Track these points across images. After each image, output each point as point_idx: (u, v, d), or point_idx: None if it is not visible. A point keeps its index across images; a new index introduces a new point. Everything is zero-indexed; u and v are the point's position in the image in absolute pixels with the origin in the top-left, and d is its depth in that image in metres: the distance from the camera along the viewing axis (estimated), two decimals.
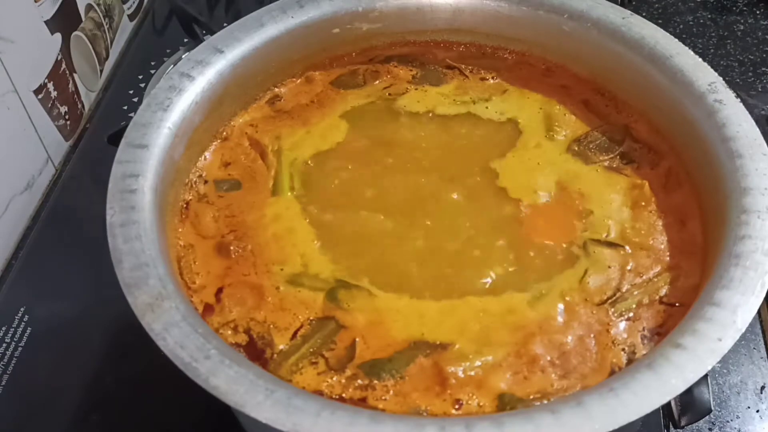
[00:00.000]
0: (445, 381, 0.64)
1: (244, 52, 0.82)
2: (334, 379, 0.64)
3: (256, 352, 0.67)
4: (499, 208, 0.77)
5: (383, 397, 0.64)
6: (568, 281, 0.71)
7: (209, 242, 0.74)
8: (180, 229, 0.75)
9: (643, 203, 0.77)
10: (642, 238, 0.74)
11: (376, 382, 0.64)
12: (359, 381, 0.64)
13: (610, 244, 0.74)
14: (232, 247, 0.73)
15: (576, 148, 0.82)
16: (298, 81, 0.89)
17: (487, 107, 0.86)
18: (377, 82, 0.89)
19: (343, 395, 0.64)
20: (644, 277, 0.72)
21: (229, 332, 0.68)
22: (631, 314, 0.69)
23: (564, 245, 0.74)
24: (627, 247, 0.74)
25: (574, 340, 0.67)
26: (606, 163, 0.81)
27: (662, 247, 0.74)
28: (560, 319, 0.69)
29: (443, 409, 0.63)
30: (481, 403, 0.63)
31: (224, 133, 0.83)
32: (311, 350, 0.66)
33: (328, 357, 0.66)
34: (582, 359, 0.66)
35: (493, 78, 0.89)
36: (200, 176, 0.80)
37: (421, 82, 0.89)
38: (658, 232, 0.75)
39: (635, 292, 0.71)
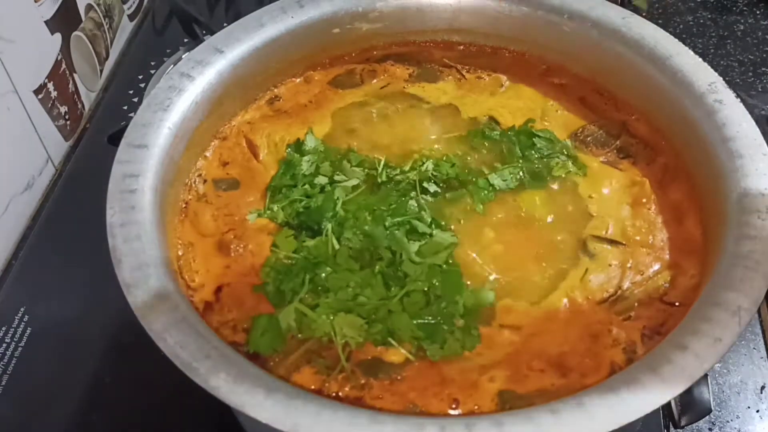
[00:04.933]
0: (443, 381, 0.64)
1: (244, 52, 0.82)
2: (332, 377, 0.64)
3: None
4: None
5: (380, 396, 0.64)
6: (570, 279, 0.71)
7: (209, 240, 0.74)
8: (180, 228, 0.75)
9: (644, 200, 0.77)
10: (642, 235, 0.75)
11: (373, 381, 0.64)
12: (357, 380, 0.64)
13: (611, 241, 0.74)
14: (232, 246, 0.73)
15: (573, 142, 0.82)
16: (298, 81, 0.89)
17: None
18: (374, 81, 0.89)
19: (340, 394, 0.64)
20: (644, 275, 0.72)
21: (229, 331, 0.68)
22: (632, 313, 0.69)
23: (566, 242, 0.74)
24: (627, 245, 0.74)
25: (574, 339, 0.67)
26: (602, 158, 0.81)
27: (662, 244, 0.74)
28: (561, 317, 0.69)
29: (441, 408, 0.63)
30: (479, 403, 0.63)
31: (223, 133, 0.83)
32: (310, 349, 0.66)
33: (325, 356, 0.66)
34: (582, 358, 0.66)
35: (488, 78, 0.89)
36: (199, 176, 0.80)
37: (418, 80, 0.89)
38: (658, 229, 0.75)
39: (636, 291, 0.71)
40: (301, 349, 0.66)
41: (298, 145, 0.80)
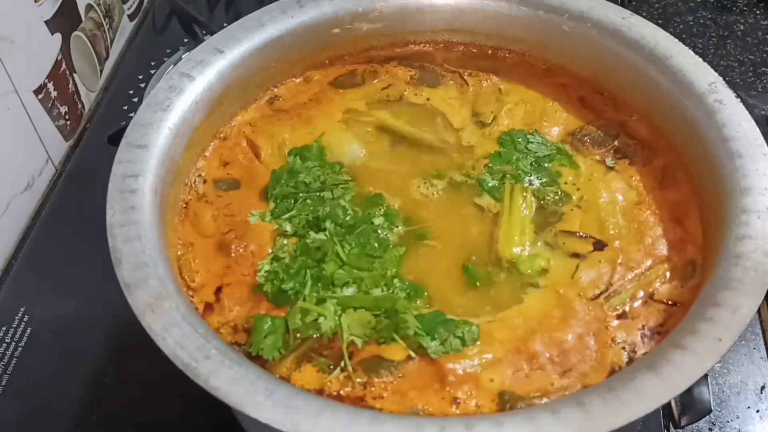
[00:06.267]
0: (444, 378, 0.64)
1: (244, 52, 0.82)
2: (333, 376, 0.65)
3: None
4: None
5: (381, 395, 0.64)
6: (561, 276, 0.72)
7: (209, 241, 0.74)
8: (180, 229, 0.75)
9: (637, 199, 0.77)
10: (634, 233, 0.75)
11: (374, 379, 0.64)
12: (358, 379, 0.64)
13: (598, 241, 0.74)
14: (233, 246, 0.73)
15: (570, 142, 0.82)
16: (298, 80, 0.89)
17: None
18: (376, 81, 0.89)
19: (341, 392, 0.64)
20: (636, 272, 0.72)
21: (229, 331, 0.68)
22: (626, 308, 0.69)
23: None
24: (618, 242, 0.74)
25: (573, 338, 0.67)
26: (598, 158, 0.81)
27: (654, 242, 0.74)
28: (557, 315, 0.69)
29: (441, 407, 0.63)
30: (479, 402, 0.63)
31: (223, 133, 0.83)
32: (311, 347, 0.66)
33: (326, 354, 0.66)
34: (582, 357, 0.66)
35: (489, 80, 0.89)
36: (199, 176, 0.80)
37: (420, 83, 0.89)
38: (651, 227, 0.75)
39: (628, 286, 0.71)
40: (302, 348, 0.66)
41: (301, 151, 0.80)
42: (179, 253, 0.73)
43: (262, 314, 0.68)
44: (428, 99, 0.87)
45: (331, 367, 0.65)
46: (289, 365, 0.65)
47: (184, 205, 0.77)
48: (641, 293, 0.70)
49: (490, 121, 0.85)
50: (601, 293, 0.71)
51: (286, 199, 0.76)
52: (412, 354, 0.65)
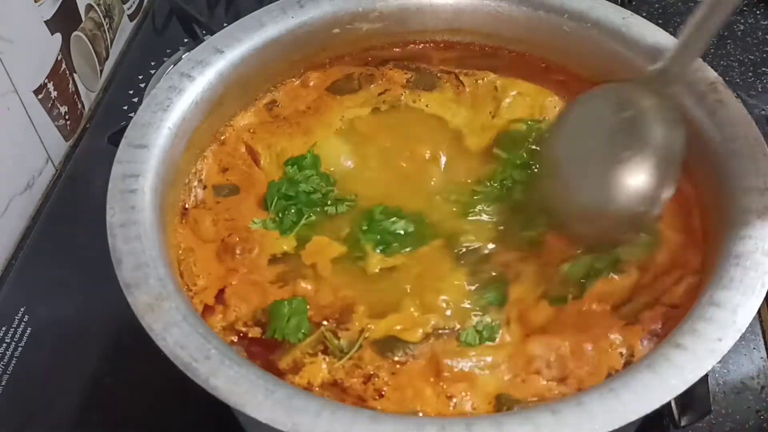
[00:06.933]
0: (439, 374, 0.65)
1: (244, 53, 0.82)
2: (340, 363, 0.66)
3: (268, 340, 0.68)
4: None
5: (382, 389, 0.64)
6: (569, 282, 0.71)
7: (209, 246, 0.74)
8: (180, 233, 0.75)
9: None
10: (643, 237, 0.74)
11: (380, 368, 0.65)
12: (364, 369, 0.65)
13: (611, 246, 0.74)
14: (237, 249, 0.73)
15: None
16: (297, 83, 0.88)
17: None
18: (372, 86, 0.88)
19: (346, 384, 0.65)
20: (648, 278, 0.71)
21: (241, 327, 0.68)
22: (628, 313, 0.69)
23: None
24: (626, 248, 0.74)
25: (572, 344, 0.67)
26: None
27: (665, 245, 0.74)
28: (558, 320, 0.69)
29: (437, 403, 0.63)
30: (475, 404, 0.63)
31: (222, 137, 0.83)
32: (328, 329, 0.68)
33: (342, 336, 0.68)
34: (579, 363, 0.66)
35: (484, 78, 0.88)
36: (199, 180, 0.79)
37: (416, 87, 0.88)
38: (659, 230, 0.75)
39: (643, 293, 0.70)
40: (318, 332, 0.68)
41: (297, 161, 0.80)
42: (180, 255, 0.73)
43: (278, 300, 0.69)
44: (427, 105, 0.86)
45: (343, 351, 0.66)
46: (303, 350, 0.66)
47: (184, 209, 0.77)
48: (646, 299, 0.70)
49: (490, 123, 0.85)
50: (615, 303, 0.70)
51: (287, 212, 0.76)
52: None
